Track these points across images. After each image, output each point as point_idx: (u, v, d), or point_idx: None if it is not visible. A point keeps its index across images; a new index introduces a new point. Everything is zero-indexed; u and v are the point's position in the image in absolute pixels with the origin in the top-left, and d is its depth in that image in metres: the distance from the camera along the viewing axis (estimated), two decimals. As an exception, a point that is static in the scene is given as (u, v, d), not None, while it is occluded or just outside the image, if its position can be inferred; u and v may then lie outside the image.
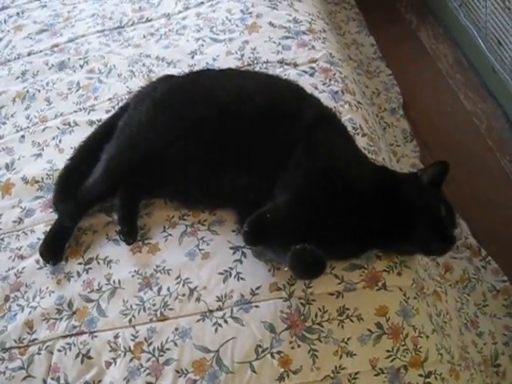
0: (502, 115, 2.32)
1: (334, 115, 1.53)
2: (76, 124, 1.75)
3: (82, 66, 1.94)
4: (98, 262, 1.45)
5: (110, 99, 1.78)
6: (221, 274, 1.38)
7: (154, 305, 1.36)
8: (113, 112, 1.61)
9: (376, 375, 1.27)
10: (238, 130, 1.41)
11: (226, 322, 1.32)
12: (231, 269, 1.38)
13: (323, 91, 1.70)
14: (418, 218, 1.31)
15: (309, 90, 1.61)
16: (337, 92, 1.71)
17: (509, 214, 2.07)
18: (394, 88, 2.45)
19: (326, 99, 1.64)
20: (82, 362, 1.33)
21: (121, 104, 1.71)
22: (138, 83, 1.75)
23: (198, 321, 1.33)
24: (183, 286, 1.38)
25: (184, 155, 1.43)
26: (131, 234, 1.46)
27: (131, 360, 1.31)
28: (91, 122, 1.71)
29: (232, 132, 1.41)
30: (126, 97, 1.76)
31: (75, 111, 1.80)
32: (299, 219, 1.28)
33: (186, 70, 1.78)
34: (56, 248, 1.47)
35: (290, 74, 1.75)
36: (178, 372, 1.28)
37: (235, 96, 1.45)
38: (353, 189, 1.31)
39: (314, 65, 1.80)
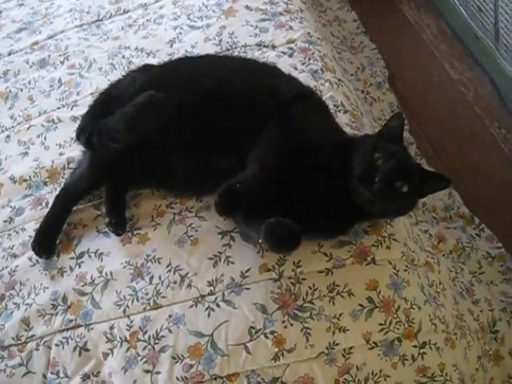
0: (489, 82, 2.32)
1: (312, 92, 1.53)
2: (60, 120, 1.75)
3: (62, 62, 1.95)
4: (90, 256, 1.46)
5: (92, 94, 1.78)
6: (210, 259, 1.39)
7: (146, 294, 1.38)
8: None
9: (370, 349, 1.29)
10: (219, 114, 1.41)
11: (218, 306, 1.33)
12: (220, 253, 1.39)
13: (303, 71, 1.70)
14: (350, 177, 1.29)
15: (288, 70, 1.61)
16: (316, 71, 1.71)
17: (499, 180, 2.07)
18: (378, 62, 2.45)
19: (305, 79, 1.65)
20: (79, 354, 1.35)
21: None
22: (118, 76, 1.73)
23: (191, 306, 1.34)
24: (174, 273, 1.39)
25: (167, 143, 1.44)
26: (120, 225, 1.47)
27: (128, 349, 1.33)
28: (74, 118, 1.72)
29: (213, 116, 1.41)
30: (108, 90, 1.75)
31: (58, 108, 1.80)
32: (268, 190, 1.30)
33: (166, 60, 1.77)
34: (48, 242, 1.48)
35: (269, 56, 1.75)
36: (174, 358, 1.30)
37: (214, 80, 1.45)
38: (320, 162, 1.31)
39: (292, 45, 1.80)
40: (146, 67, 1.56)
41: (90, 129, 1.43)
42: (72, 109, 1.78)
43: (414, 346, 1.30)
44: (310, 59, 1.75)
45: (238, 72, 1.48)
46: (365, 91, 2.29)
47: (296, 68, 1.71)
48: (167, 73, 1.53)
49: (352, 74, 2.26)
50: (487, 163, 2.12)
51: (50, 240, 1.49)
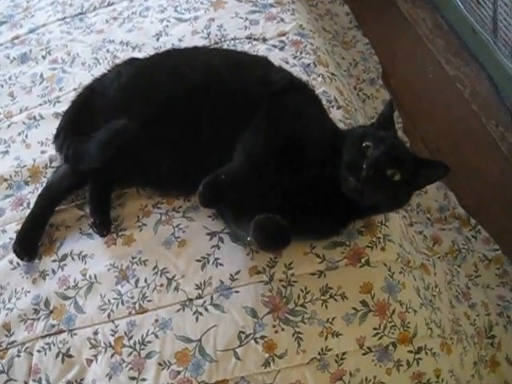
0: (486, 78, 2.31)
1: (305, 84, 1.52)
2: (42, 117, 1.74)
3: (44, 57, 1.93)
4: (73, 258, 1.45)
5: (75, 89, 1.76)
6: (198, 261, 1.38)
7: (132, 297, 1.37)
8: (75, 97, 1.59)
9: (364, 354, 1.28)
10: (208, 108, 1.40)
11: (206, 309, 1.32)
12: (209, 255, 1.39)
13: (294, 65, 1.70)
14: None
15: (279, 64, 1.60)
16: (308, 65, 1.71)
17: (497, 181, 2.07)
18: (371, 57, 2.44)
19: (297, 73, 1.63)
20: (62, 361, 1.33)
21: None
22: (103, 71, 1.72)
23: (178, 311, 1.33)
24: (161, 276, 1.38)
25: (154, 139, 1.43)
26: (104, 225, 1.46)
27: (112, 355, 1.32)
28: (57, 115, 1.69)
29: (202, 111, 1.40)
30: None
31: (40, 104, 1.79)
32: (255, 183, 1.29)
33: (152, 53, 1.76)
34: (30, 244, 1.47)
35: (260, 49, 1.75)
36: (160, 364, 1.29)
37: (202, 74, 1.45)
38: (311, 155, 1.30)
39: (283, 38, 1.80)
40: (132, 61, 1.55)
41: (68, 142, 1.46)
42: (54, 105, 1.76)
43: (410, 352, 1.30)
44: (302, 53, 1.75)
45: (227, 64, 1.47)
46: (357, 88, 2.28)
47: (287, 62, 1.70)
48: (153, 66, 1.52)
49: (344, 70, 2.25)
50: (484, 163, 2.11)
51: (32, 242, 1.47)
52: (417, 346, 1.30)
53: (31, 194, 1.57)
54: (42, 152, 1.65)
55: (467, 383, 1.49)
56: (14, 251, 1.45)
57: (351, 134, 1.31)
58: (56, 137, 1.53)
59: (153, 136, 1.42)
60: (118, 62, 1.76)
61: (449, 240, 1.87)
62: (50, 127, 1.65)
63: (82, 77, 1.80)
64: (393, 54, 2.49)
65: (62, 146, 1.49)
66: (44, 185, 1.56)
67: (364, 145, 1.24)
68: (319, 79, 1.66)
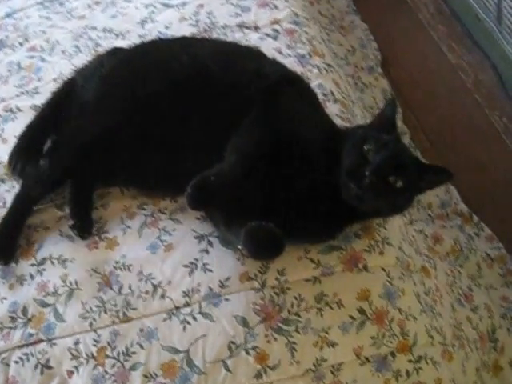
0: (490, 67, 2.25)
1: (299, 78, 1.48)
2: (19, 110, 1.69)
3: (22, 44, 1.88)
4: (52, 262, 1.41)
5: (54, 79, 1.72)
6: (186, 266, 1.35)
7: (115, 305, 1.33)
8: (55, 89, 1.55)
9: (361, 365, 1.26)
10: (196, 103, 1.36)
11: (194, 318, 1.29)
12: (197, 260, 1.35)
13: (288, 55, 1.66)
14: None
15: (272, 54, 1.57)
16: (303, 55, 1.67)
17: (500, 175, 2.03)
18: (370, 44, 2.39)
19: (291, 64, 1.60)
20: (41, 372, 1.30)
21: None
22: (84, 60, 1.68)
23: (165, 319, 1.30)
24: (146, 282, 1.35)
25: (138, 136, 1.39)
26: (85, 228, 1.43)
27: (95, 367, 1.29)
28: (35, 107, 1.65)
29: (190, 107, 1.37)
30: (72, 76, 1.69)
31: (17, 95, 1.74)
32: (247, 185, 1.25)
33: (137, 42, 1.71)
34: (7, 246, 1.43)
35: (251, 38, 1.71)
36: (146, 377, 1.26)
37: (190, 67, 1.41)
38: (307, 155, 1.27)
39: (277, 26, 1.75)
40: (115, 51, 1.50)
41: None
42: (33, 97, 1.72)
43: (409, 361, 1.28)
44: (296, 42, 1.71)
45: (217, 56, 1.43)
46: (355, 76, 2.24)
47: (281, 52, 1.66)
48: (137, 58, 1.48)
49: (342, 58, 2.20)
50: (487, 156, 2.07)
51: (8, 244, 1.43)
52: (417, 355, 1.28)
53: (8, 193, 1.53)
54: (20, 148, 1.60)
55: (469, 390, 1.47)
56: None
57: (351, 136, 1.27)
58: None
59: (136, 132, 1.38)
60: (100, 50, 1.72)
61: (450, 238, 1.85)
62: (28, 120, 1.60)
63: (62, 66, 1.75)
64: (392, 40, 2.44)
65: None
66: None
67: (365, 148, 1.20)
68: (315, 71, 1.62)
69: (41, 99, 1.65)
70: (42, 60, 1.80)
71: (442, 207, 1.99)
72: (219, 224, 1.35)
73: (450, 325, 1.47)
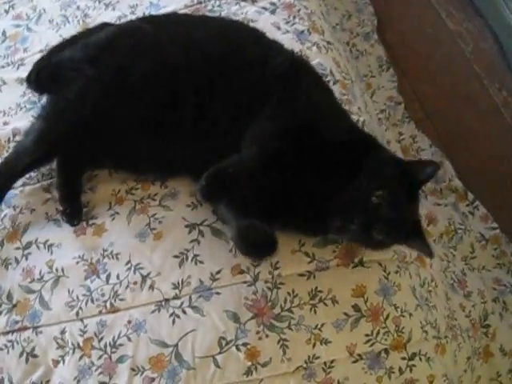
0: (491, 36, 2.12)
1: (307, 63, 1.38)
2: (4, 82, 1.61)
3: (7, 12, 1.77)
4: (38, 247, 1.35)
5: (41, 51, 1.61)
6: (176, 257, 1.28)
7: (102, 295, 1.27)
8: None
9: (354, 362, 1.21)
10: (192, 89, 1.26)
11: (184, 312, 1.24)
12: (187, 251, 1.28)
13: (287, 31, 1.54)
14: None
15: (270, 30, 1.46)
16: (302, 32, 1.55)
17: (497, 150, 1.94)
18: (367, 8, 2.25)
19: (290, 41, 1.50)
20: (26, 360, 1.26)
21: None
22: (72, 30, 1.58)
23: (153, 312, 1.25)
24: (134, 272, 1.28)
25: (130, 118, 1.30)
26: (75, 214, 1.35)
27: (81, 358, 1.24)
28: (21, 80, 1.55)
29: (184, 91, 1.27)
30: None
31: (2, 66, 1.65)
32: (265, 177, 1.17)
33: (127, 12, 1.61)
34: None
35: (248, 12, 1.58)
36: (133, 370, 1.21)
37: (183, 49, 1.30)
38: (330, 154, 1.17)
39: (274, 0, 1.61)
40: (103, 26, 1.39)
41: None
42: (18, 68, 1.62)
43: (403, 358, 1.23)
44: (295, 17, 1.58)
45: (213, 38, 1.32)
46: (350, 43, 2.13)
47: (279, 28, 1.54)
48: (126, 37, 1.36)
49: (337, 24, 2.08)
50: (484, 130, 1.97)
51: None
52: (411, 352, 1.24)
53: (-7, 170, 1.44)
54: (5, 123, 1.53)
55: (459, 378, 1.43)
56: None
57: (376, 165, 1.18)
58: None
59: (128, 114, 1.29)
60: (88, 21, 1.61)
61: (445, 218, 1.78)
62: (14, 94, 1.54)
63: (48, 37, 1.65)
64: (389, 4, 2.28)
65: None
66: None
67: (376, 196, 1.12)
68: (314, 49, 1.51)
69: (26, 71, 1.53)
70: (28, 29, 1.69)
71: (436, 182, 1.91)
72: (221, 203, 1.27)
73: (444, 316, 1.42)
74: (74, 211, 1.35)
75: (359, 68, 2.09)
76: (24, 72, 1.55)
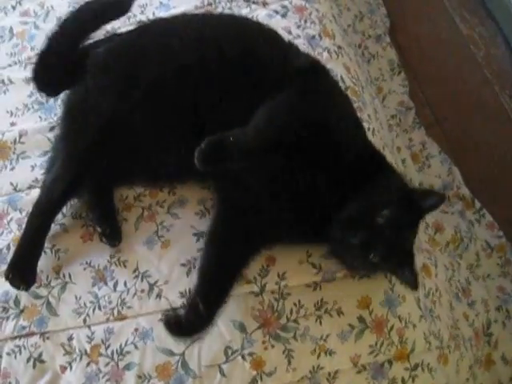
0: (503, 41, 2.15)
1: (325, 68, 1.36)
2: (11, 82, 1.61)
3: (14, 8, 1.77)
4: (45, 252, 1.36)
5: (49, 50, 1.60)
6: (183, 265, 1.31)
7: (110, 302, 1.30)
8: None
9: (358, 372, 1.25)
10: (208, 89, 1.25)
11: (191, 321, 1.25)
12: (195, 259, 1.31)
13: (298, 36, 1.55)
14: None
15: (282, 35, 1.44)
16: (313, 36, 1.57)
17: (506, 158, 1.97)
18: (379, 9, 2.26)
19: (301, 46, 1.46)
20: (34, 366, 1.28)
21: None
22: (80, 29, 1.57)
23: (160, 320, 1.26)
24: (142, 280, 1.31)
25: (150, 125, 1.28)
26: (115, 234, 1.35)
27: (88, 364, 1.27)
28: (28, 80, 1.55)
29: (198, 92, 1.25)
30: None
31: (9, 65, 1.64)
32: (264, 159, 1.16)
33: (137, 12, 1.61)
34: (27, 269, 1.31)
35: (259, 15, 1.59)
36: (140, 377, 1.24)
37: (195, 49, 1.28)
38: (340, 160, 1.18)
39: (285, 2, 1.63)
40: (112, 37, 1.39)
41: None
42: (25, 68, 1.62)
43: (406, 369, 1.27)
44: (306, 21, 1.59)
45: (231, 38, 1.30)
46: (362, 46, 2.13)
47: (290, 32, 1.56)
48: (137, 41, 1.36)
49: (349, 25, 2.09)
50: (493, 137, 2.00)
51: (28, 267, 1.31)
52: (413, 363, 1.27)
53: (-1, 172, 1.46)
54: (12, 124, 1.54)
55: (461, 387, 1.46)
56: (8, 278, 1.29)
57: (385, 185, 1.20)
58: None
59: (147, 122, 1.28)
60: (97, 19, 1.59)
61: (451, 227, 1.81)
62: (21, 94, 1.54)
63: (56, 35, 1.62)
64: (402, 6, 2.30)
65: None
66: (12, 164, 1.47)
67: (381, 216, 1.13)
68: (325, 54, 1.53)
69: (35, 72, 1.55)
70: (36, 27, 1.69)
71: (444, 190, 1.93)
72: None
73: (448, 326, 1.45)
74: (114, 231, 1.35)
75: (370, 71, 2.10)
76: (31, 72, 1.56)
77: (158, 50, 1.31)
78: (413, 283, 1.19)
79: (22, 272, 1.30)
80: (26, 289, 1.30)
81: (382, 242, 1.13)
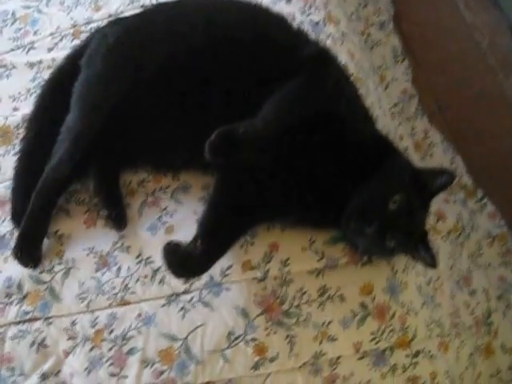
0: (507, 29, 2.15)
1: (334, 56, 1.37)
2: (13, 66, 1.61)
3: (16, -8, 1.76)
4: (48, 237, 1.37)
5: (52, 34, 1.63)
6: (187, 251, 1.31)
7: (113, 288, 1.32)
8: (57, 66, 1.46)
9: (359, 359, 1.26)
10: (218, 74, 1.26)
11: (193, 306, 1.28)
12: (198, 245, 1.31)
13: (302, 22, 1.55)
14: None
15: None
16: (318, 23, 1.57)
17: (509, 148, 1.97)
18: (384, -5, 2.26)
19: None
20: (37, 351, 1.30)
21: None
22: (84, 14, 1.59)
23: (163, 306, 1.29)
24: (145, 265, 1.33)
25: (157, 108, 1.30)
26: (121, 218, 1.36)
27: (91, 349, 1.28)
28: (31, 64, 1.57)
29: (210, 76, 1.26)
30: (71, 31, 1.59)
31: (12, 49, 1.65)
32: (275, 151, 1.18)
33: (143, -4, 1.61)
34: (33, 248, 1.35)
35: (263, 0, 1.58)
36: (143, 362, 1.26)
37: (204, 32, 1.29)
38: (349, 148, 1.19)
39: (290, -14, 1.62)
40: (118, 21, 1.39)
41: None
42: (28, 52, 1.63)
43: (407, 356, 1.28)
44: (311, 7, 1.60)
45: (242, 23, 1.31)
46: (365, 33, 2.12)
47: (294, 18, 1.56)
48: (144, 24, 1.37)
49: (353, 13, 2.08)
50: (497, 127, 2.00)
51: (34, 245, 1.34)
52: (415, 350, 1.28)
53: (1, 158, 1.48)
54: (14, 109, 1.55)
55: (460, 375, 1.49)
56: (16, 257, 1.32)
57: (394, 169, 1.21)
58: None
59: (154, 105, 1.30)
60: (101, 4, 1.62)
61: (453, 215, 1.82)
62: (24, 79, 1.55)
63: (59, 19, 1.66)
64: (407, -9, 2.30)
65: None
66: (15, 149, 1.47)
67: (393, 200, 1.15)
68: (329, 41, 1.53)
69: (36, 56, 1.59)
70: (39, 11, 1.70)
71: (448, 178, 1.93)
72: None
73: (449, 314, 1.47)
74: (120, 215, 1.36)
75: (373, 59, 2.08)
76: (34, 56, 1.59)
77: (168, 34, 1.32)
78: (431, 261, 1.20)
79: (30, 250, 1.33)
80: (34, 266, 1.33)
81: (397, 228, 1.15)
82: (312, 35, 1.50)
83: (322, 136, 1.18)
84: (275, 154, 1.19)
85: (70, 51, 1.47)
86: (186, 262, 1.18)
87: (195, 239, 1.19)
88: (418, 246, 1.21)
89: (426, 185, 1.20)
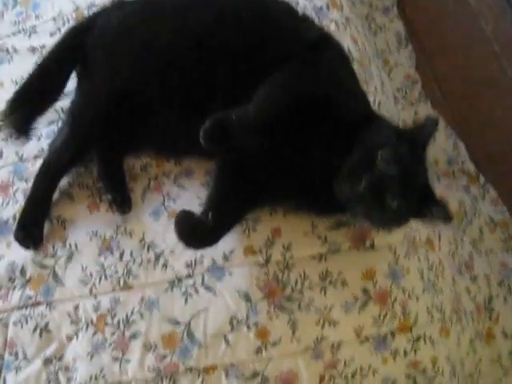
0: (512, 15, 2.16)
1: (338, 42, 1.38)
2: (15, 51, 1.61)
3: (17, -27, 1.75)
4: (51, 221, 1.38)
5: (54, 18, 1.62)
6: (190, 236, 1.32)
7: (116, 272, 1.33)
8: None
9: (361, 343, 1.28)
10: (223, 58, 1.26)
11: (196, 291, 1.29)
12: (201, 230, 1.32)
13: (305, 7, 1.55)
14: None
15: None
16: (321, 8, 1.58)
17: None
18: (387, -21, 2.25)
19: (307, 17, 1.50)
20: (40, 335, 1.31)
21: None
22: (87, -2, 1.58)
23: (166, 290, 1.30)
24: (148, 250, 1.34)
25: (161, 92, 1.30)
26: (125, 202, 1.38)
27: (94, 333, 1.29)
28: (33, 49, 1.57)
29: (216, 60, 1.27)
30: (73, 15, 1.59)
31: (14, 34, 1.64)
32: (268, 136, 1.19)
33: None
34: (34, 230, 1.36)
35: (265, -15, 1.58)
36: (146, 346, 1.27)
37: (212, 19, 1.30)
38: (335, 127, 1.19)
39: (293, -31, 1.62)
40: (121, 5, 1.39)
41: None
42: (30, 36, 1.63)
43: (408, 341, 1.30)
44: (314, -10, 1.59)
45: (244, 7, 1.32)
46: (369, 17, 2.13)
47: (298, 2, 1.57)
48: (148, 9, 1.36)
49: (357, -3, 2.09)
50: (501, 113, 1.99)
51: (36, 227, 1.36)
52: (416, 335, 1.30)
53: (4, 142, 1.49)
54: (17, 94, 1.53)
55: (461, 361, 1.50)
56: (17, 239, 1.34)
57: (377, 131, 1.19)
58: None
59: (155, 91, 1.30)
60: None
61: (456, 201, 1.83)
62: (26, 64, 1.52)
63: (62, 3, 1.65)
64: (410, -25, 2.29)
65: None
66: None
67: (380, 154, 1.10)
68: (332, 26, 1.54)
69: (38, 40, 1.59)
70: (40, -6, 1.69)
71: (449, 164, 1.95)
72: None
73: (450, 299, 1.48)
74: (124, 199, 1.38)
75: (377, 44, 2.09)
76: (36, 40, 1.59)
77: (172, 19, 1.32)
78: (445, 216, 1.14)
79: (31, 232, 1.34)
80: (35, 248, 1.34)
81: (392, 183, 1.10)
82: (315, 20, 1.52)
83: (313, 119, 1.18)
84: (268, 139, 1.19)
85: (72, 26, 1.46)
86: (198, 231, 1.19)
87: (205, 212, 1.21)
88: (427, 203, 1.15)
89: (415, 140, 1.17)
